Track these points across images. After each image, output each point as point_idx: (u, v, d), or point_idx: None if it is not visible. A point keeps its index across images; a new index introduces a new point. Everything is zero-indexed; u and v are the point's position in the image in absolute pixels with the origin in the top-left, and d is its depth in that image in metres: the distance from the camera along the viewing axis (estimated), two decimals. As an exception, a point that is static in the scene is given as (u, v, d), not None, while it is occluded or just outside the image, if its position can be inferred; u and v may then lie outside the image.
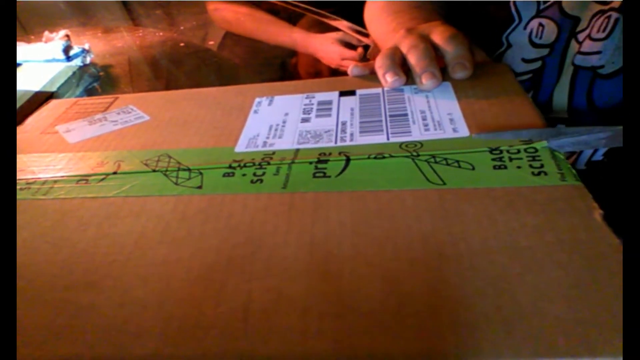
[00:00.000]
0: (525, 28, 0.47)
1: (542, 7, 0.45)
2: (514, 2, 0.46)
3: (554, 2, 0.44)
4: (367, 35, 0.74)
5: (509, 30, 0.48)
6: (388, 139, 0.33)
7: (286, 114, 0.39)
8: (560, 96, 0.47)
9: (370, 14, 0.58)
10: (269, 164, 0.32)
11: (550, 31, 0.45)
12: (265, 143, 0.35)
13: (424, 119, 0.35)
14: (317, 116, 0.38)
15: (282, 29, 0.81)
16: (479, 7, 0.50)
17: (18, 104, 0.53)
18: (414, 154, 0.31)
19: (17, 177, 0.35)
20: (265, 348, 0.20)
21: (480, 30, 0.42)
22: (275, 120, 0.38)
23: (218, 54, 0.82)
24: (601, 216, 0.24)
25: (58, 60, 0.68)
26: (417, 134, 0.34)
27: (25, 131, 0.43)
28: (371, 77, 0.43)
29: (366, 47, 0.76)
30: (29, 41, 0.74)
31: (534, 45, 0.47)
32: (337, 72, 0.79)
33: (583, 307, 0.20)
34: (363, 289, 0.22)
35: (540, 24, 0.45)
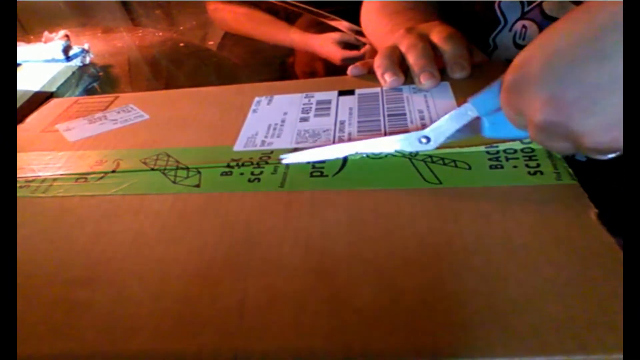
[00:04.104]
0: (510, 30, 0.47)
1: (525, 9, 0.46)
2: (499, 4, 0.47)
3: (536, 4, 0.45)
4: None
5: (495, 32, 0.49)
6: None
7: (285, 113, 0.39)
8: None
9: (367, 16, 0.58)
10: (267, 163, 0.33)
11: (532, 33, 0.46)
12: (263, 142, 0.35)
13: (422, 118, 0.36)
14: (315, 115, 0.38)
15: (281, 29, 0.81)
16: (466, 9, 0.50)
17: (18, 104, 0.53)
18: (411, 153, 0.31)
19: (17, 175, 0.35)
20: (260, 345, 0.20)
21: (468, 32, 0.42)
22: (274, 119, 0.39)
23: (217, 54, 0.82)
24: (596, 215, 0.24)
25: (58, 61, 0.69)
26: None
27: (26, 129, 0.43)
28: (370, 77, 0.43)
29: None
30: (28, 41, 0.74)
31: (518, 46, 0.48)
32: (334, 72, 0.79)
33: (577, 305, 0.20)
34: (358, 287, 0.22)
35: (524, 26, 0.46)
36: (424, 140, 0.30)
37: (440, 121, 0.30)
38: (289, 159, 0.32)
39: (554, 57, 0.23)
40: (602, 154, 0.24)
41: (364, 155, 0.32)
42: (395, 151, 0.31)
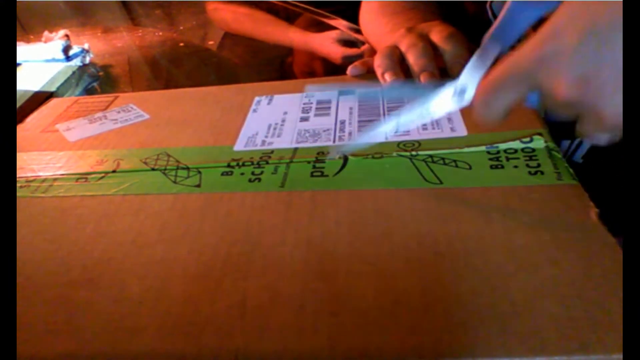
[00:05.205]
0: None
1: None
2: (491, 5, 0.47)
3: None
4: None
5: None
6: (386, 138, 0.34)
7: (285, 113, 0.39)
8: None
9: (366, 16, 0.58)
10: (267, 162, 0.33)
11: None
12: (264, 142, 0.35)
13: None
14: (316, 115, 0.38)
15: (281, 29, 0.81)
16: (458, 10, 0.50)
17: (18, 104, 0.53)
18: (412, 153, 0.31)
19: (18, 175, 0.35)
20: (260, 345, 0.20)
21: None
22: (274, 119, 0.39)
23: (217, 53, 0.82)
24: (597, 215, 0.24)
25: (58, 60, 0.68)
26: (415, 133, 0.34)
27: (26, 129, 0.43)
28: (371, 77, 0.43)
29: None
30: (28, 41, 0.74)
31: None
32: (334, 72, 0.79)
33: (577, 305, 0.20)
34: (358, 287, 0.22)
35: None
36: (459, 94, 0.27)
37: (467, 69, 0.27)
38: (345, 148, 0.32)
39: (588, 35, 0.22)
40: (611, 132, 0.24)
41: (364, 156, 0.32)
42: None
